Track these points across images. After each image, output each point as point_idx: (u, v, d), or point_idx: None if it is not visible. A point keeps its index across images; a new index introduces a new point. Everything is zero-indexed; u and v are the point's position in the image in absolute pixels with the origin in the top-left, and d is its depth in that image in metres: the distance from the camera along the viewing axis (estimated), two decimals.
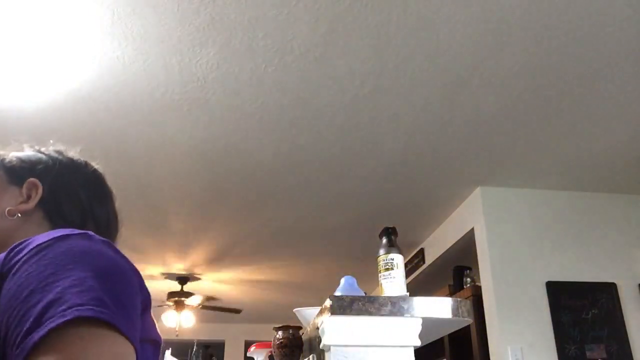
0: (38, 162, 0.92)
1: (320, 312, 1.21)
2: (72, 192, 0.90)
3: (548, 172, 3.09)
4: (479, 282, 3.27)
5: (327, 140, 2.72)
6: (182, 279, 5.06)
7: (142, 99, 2.37)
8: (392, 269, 1.30)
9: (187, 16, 1.90)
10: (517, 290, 3.00)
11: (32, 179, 0.87)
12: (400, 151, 2.84)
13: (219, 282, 5.21)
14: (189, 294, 5.18)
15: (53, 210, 0.87)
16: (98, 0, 1.83)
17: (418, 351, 1.16)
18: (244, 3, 1.85)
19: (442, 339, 3.55)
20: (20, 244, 0.63)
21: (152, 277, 5.01)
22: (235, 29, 1.96)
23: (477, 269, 3.25)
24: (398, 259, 1.32)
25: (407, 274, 3.56)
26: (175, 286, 5.16)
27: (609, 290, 3.07)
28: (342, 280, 1.37)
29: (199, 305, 5.32)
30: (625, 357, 2.91)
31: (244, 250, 4.36)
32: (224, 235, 4.05)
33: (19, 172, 0.89)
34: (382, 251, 1.34)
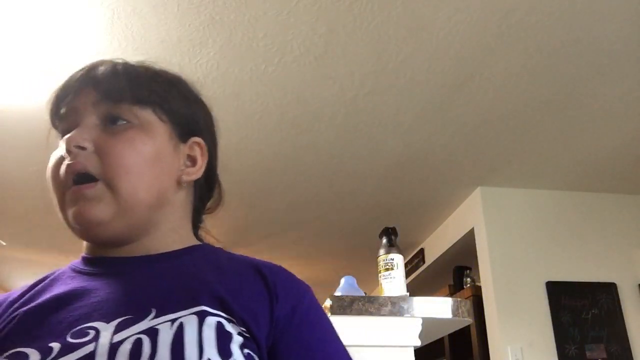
0: (199, 108, 0.70)
1: None
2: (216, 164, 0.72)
3: (548, 172, 3.09)
4: (479, 282, 3.27)
5: (327, 140, 2.71)
6: None
7: None
8: (392, 269, 1.30)
9: (187, 16, 1.90)
10: (517, 290, 3.00)
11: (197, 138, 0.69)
12: (400, 151, 2.84)
13: None
14: None
15: (205, 189, 0.72)
16: (98, 0, 1.83)
17: (418, 351, 1.16)
18: (244, 3, 1.84)
19: (442, 339, 3.55)
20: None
21: None
22: (235, 29, 1.96)
23: (477, 269, 3.25)
24: (398, 259, 1.32)
25: (407, 274, 3.57)
26: None
27: (609, 290, 3.07)
28: (342, 280, 1.37)
29: None
30: (625, 357, 2.91)
31: (243, 250, 4.35)
32: (224, 234, 4.04)
33: (186, 123, 0.68)
34: (382, 251, 1.34)
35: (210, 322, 0.51)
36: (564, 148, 2.81)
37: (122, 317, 0.52)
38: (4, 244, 4.16)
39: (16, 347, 0.51)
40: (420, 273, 4.25)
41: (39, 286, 0.62)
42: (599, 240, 3.22)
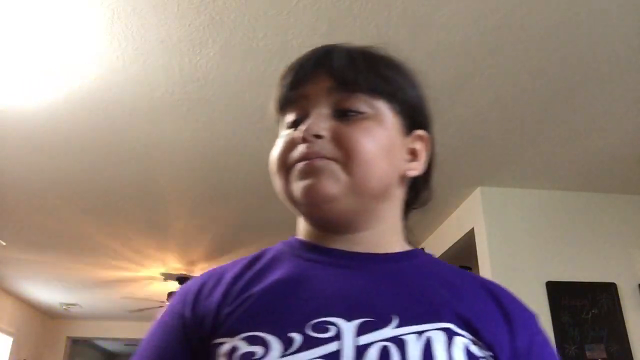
0: (424, 99, 0.67)
1: None
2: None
3: (548, 172, 3.08)
4: None
5: None
6: (182, 279, 5.06)
7: (142, 99, 2.37)
8: None
9: (187, 16, 1.90)
10: (517, 290, 2.94)
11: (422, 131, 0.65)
12: None
13: None
14: None
15: (421, 186, 0.67)
16: (98, 0, 1.83)
17: None
18: (244, 3, 1.84)
19: None
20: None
21: (152, 278, 5.01)
22: (235, 29, 1.96)
23: (477, 269, 3.25)
24: None
25: None
26: (175, 286, 5.16)
27: (609, 290, 3.07)
28: None
29: None
30: (625, 357, 2.91)
31: (244, 251, 4.36)
32: (224, 235, 4.05)
33: (413, 115, 0.65)
34: None
35: (459, 342, 0.49)
36: (564, 148, 2.81)
37: (362, 318, 0.50)
38: (4, 244, 4.16)
39: (253, 331, 0.50)
40: None
41: (259, 264, 0.60)
42: (599, 240, 3.22)
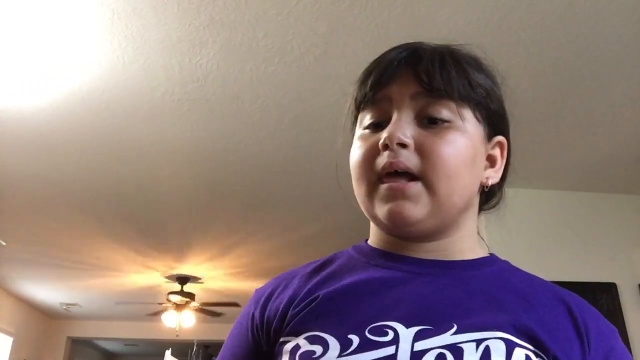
0: (504, 102, 0.64)
1: None
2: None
3: (548, 172, 3.08)
4: None
5: (327, 140, 2.71)
6: (182, 279, 5.06)
7: (142, 99, 2.37)
8: None
9: (187, 16, 1.90)
10: None
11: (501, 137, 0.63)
12: None
13: (219, 282, 5.21)
14: (189, 294, 5.18)
15: (495, 191, 0.67)
16: (98, 0, 1.83)
17: None
18: (244, 3, 1.84)
19: None
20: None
21: (152, 278, 5.01)
22: (235, 29, 1.96)
23: None
24: None
25: None
26: (175, 286, 5.17)
27: (609, 290, 3.07)
28: None
29: (199, 306, 5.32)
30: None
31: (244, 250, 4.36)
32: (224, 235, 4.05)
33: (495, 122, 0.63)
34: None
35: (519, 353, 0.49)
36: (564, 148, 2.81)
37: (421, 325, 0.51)
38: (4, 243, 4.16)
39: (315, 331, 0.52)
40: None
41: (329, 269, 0.61)
42: (599, 240, 3.21)
